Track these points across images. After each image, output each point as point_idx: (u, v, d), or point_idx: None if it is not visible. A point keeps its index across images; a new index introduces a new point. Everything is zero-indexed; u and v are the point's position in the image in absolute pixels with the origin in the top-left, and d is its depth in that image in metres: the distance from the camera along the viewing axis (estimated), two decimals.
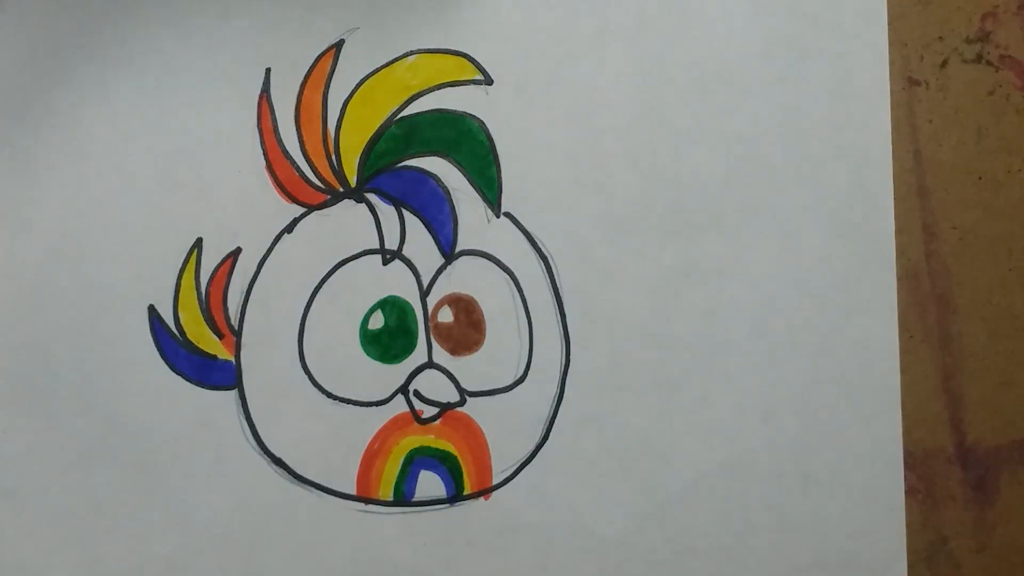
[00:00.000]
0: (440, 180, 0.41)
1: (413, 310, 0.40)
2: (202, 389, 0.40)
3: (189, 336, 0.40)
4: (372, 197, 0.41)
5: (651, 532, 0.40)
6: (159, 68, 0.41)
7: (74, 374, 0.40)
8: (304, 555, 0.40)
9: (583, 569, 0.40)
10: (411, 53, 0.41)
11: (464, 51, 0.41)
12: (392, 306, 0.40)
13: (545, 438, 0.40)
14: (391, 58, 0.41)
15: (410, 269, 0.40)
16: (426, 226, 0.40)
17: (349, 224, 0.40)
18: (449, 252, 0.40)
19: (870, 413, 0.40)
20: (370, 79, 0.41)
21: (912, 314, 0.40)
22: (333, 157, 0.41)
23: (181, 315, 0.40)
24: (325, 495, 0.40)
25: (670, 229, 0.40)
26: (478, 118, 0.40)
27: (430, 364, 0.40)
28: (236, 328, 0.40)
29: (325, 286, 0.40)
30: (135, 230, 0.41)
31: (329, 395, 0.40)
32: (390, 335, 0.40)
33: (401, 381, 0.40)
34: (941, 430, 0.40)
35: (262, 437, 0.40)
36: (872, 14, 0.41)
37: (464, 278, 0.40)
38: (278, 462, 0.40)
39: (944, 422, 0.40)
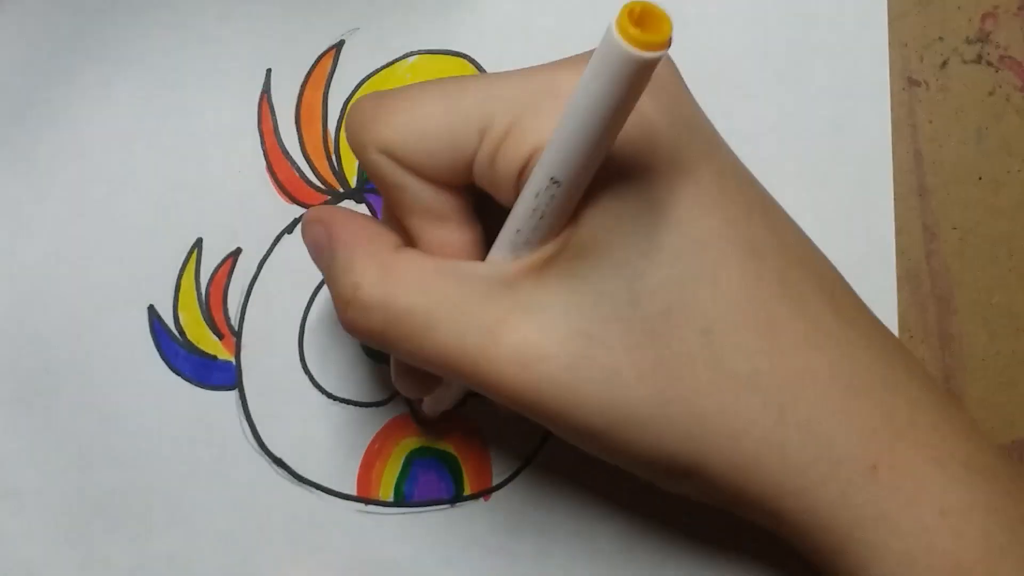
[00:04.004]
0: None
1: None
2: (202, 389, 0.40)
3: (189, 336, 0.40)
4: (372, 198, 0.41)
5: (651, 532, 0.40)
6: (159, 68, 0.41)
7: (74, 374, 0.40)
8: (304, 555, 0.40)
9: (583, 569, 0.40)
10: (411, 54, 0.41)
11: (464, 52, 0.41)
12: None
13: (545, 438, 0.40)
14: (391, 58, 0.41)
15: None
16: None
17: None
18: None
19: None
20: (370, 79, 0.41)
21: (912, 314, 0.40)
22: (333, 157, 0.41)
23: (181, 315, 0.40)
24: (325, 495, 0.40)
25: None
26: None
27: None
28: (236, 328, 0.40)
29: (326, 286, 0.40)
30: (135, 230, 0.41)
31: (329, 395, 0.40)
32: None
33: None
34: None
35: (262, 437, 0.40)
36: (872, 14, 0.41)
37: None
38: (278, 462, 0.40)
39: None
